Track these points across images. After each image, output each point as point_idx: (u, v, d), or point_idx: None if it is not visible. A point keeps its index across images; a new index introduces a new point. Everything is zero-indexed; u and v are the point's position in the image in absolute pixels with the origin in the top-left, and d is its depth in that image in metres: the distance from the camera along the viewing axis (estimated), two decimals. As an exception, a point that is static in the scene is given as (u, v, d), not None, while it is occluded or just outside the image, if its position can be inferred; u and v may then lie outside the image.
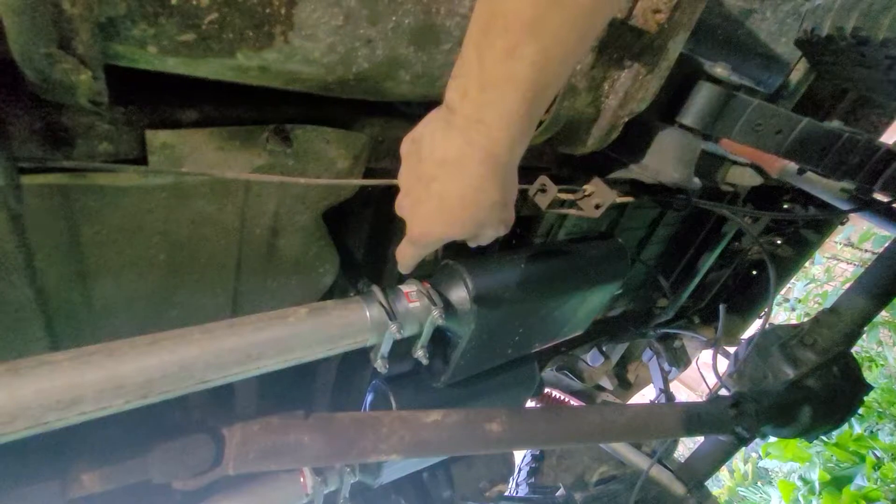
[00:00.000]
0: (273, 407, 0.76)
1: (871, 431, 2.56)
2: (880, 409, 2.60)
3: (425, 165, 0.42)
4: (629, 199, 0.89)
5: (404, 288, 0.68)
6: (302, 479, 0.83)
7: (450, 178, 0.40)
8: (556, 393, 1.85)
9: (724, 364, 1.43)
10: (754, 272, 2.00)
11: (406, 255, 0.53)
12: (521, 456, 1.92)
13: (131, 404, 0.47)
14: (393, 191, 0.78)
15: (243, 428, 0.68)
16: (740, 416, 1.15)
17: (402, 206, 0.48)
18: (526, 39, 0.32)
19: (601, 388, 1.93)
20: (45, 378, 0.43)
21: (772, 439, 2.83)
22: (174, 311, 0.59)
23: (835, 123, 0.89)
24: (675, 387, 2.03)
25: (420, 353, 0.72)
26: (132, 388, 0.46)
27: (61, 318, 0.52)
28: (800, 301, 3.73)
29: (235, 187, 0.52)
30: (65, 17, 0.26)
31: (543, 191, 0.69)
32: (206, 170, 0.42)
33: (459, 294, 0.70)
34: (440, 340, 0.78)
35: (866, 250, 3.50)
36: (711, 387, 1.39)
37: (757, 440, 1.28)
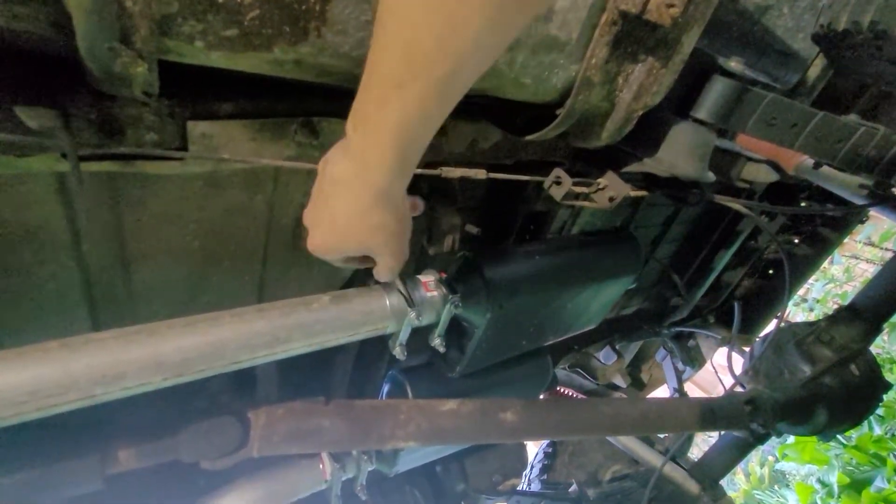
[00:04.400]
0: (292, 396, 0.79)
1: (893, 434, 2.51)
2: (901, 411, 2.54)
3: (325, 182, 0.46)
4: (643, 192, 0.90)
5: (422, 278, 0.71)
6: (321, 466, 0.86)
7: (340, 198, 0.45)
8: (568, 392, 1.85)
9: (739, 365, 1.42)
10: (770, 271, 1.97)
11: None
12: (533, 453, 1.92)
13: (169, 381, 0.50)
14: (413, 179, 0.81)
15: (268, 412, 0.71)
16: (755, 413, 1.14)
17: (305, 216, 0.52)
18: (392, 93, 0.37)
19: (614, 387, 1.93)
20: (94, 354, 0.46)
21: (789, 439, 2.79)
22: (206, 296, 0.62)
23: (851, 117, 0.89)
24: (689, 388, 2.01)
25: (437, 342, 0.74)
26: (170, 365, 0.49)
27: (104, 301, 0.55)
28: (818, 301, 3.65)
29: (265, 178, 0.55)
30: (127, 14, 0.29)
31: (558, 183, 0.71)
32: (243, 159, 0.45)
33: (476, 284, 0.72)
34: (456, 331, 0.80)
35: (888, 249, 3.42)
36: (727, 388, 1.39)
37: (772, 441, 1.27)
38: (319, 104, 0.53)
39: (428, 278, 0.71)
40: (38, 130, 0.33)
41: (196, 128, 0.43)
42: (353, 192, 0.44)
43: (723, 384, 1.61)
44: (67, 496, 0.61)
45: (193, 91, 0.44)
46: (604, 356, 1.89)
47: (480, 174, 0.60)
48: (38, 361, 0.44)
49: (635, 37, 0.57)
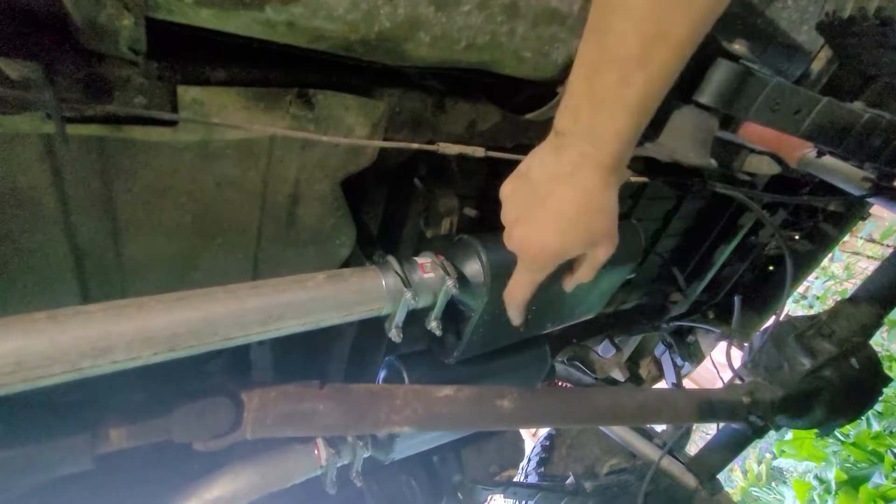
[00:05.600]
0: (287, 382, 0.78)
1: (891, 430, 2.50)
2: (901, 407, 2.54)
3: (539, 186, 0.47)
4: (643, 178, 0.89)
5: (419, 259, 0.70)
6: (316, 451, 0.85)
7: (565, 189, 0.46)
8: (566, 386, 1.85)
9: (738, 361, 1.41)
10: (771, 267, 1.97)
11: (520, 286, 0.58)
12: (530, 446, 1.92)
13: (160, 356, 0.49)
14: (411, 161, 0.79)
15: (261, 393, 0.70)
16: (754, 405, 1.14)
17: (511, 235, 0.52)
18: (635, 70, 0.38)
19: (612, 382, 1.93)
20: (81, 326, 0.45)
21: (787, 436, 2.78)
22: (198, 273, 0.61)
23: (856, 105, 0.88)
24: (688, 385, 2.01)
25: (434, 325, 0.73)
26: (160, 340, 0.49)
27: (93, 275, 0.54)
28: (818, 298, 3.65)
29: (259, 151, 0.54)
30: (112, -39, 0.28)
31: (558, 165, 0.69)
32: (235, 124, 0.44)
33: (473, 267, 0.71)
34: (453, 316, 0.79)
35: (889, 246, 3.41)
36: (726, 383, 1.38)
37: (770, 437, 1.26)
38: (315, 77, 0.52)
39: (425, 260, 0.70)
40: (21, 82, 0.32)
41: (187, 93, 0.42)
42: (581, 182, 0.45)
43: (722, 381, 1.60)
44: (57, 475, 0.60)
45: (185, 56, 0.43)
46: (602, 350, 1.88)
47: (479, 152, 0.59)
48: (25, 332, 0.43)
49: (638, 12, 0.55)
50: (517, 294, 0.60)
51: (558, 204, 0.46)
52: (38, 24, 0.34)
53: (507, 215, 0.53)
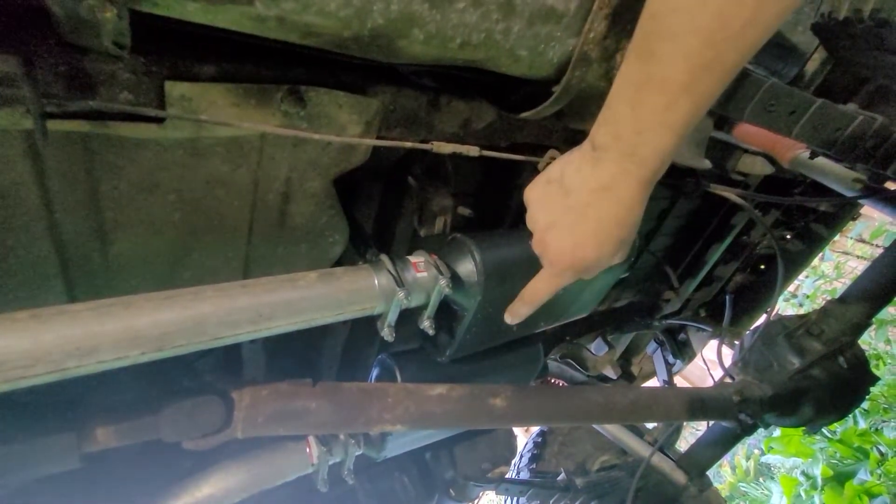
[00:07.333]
0: (279, 380, 0.77)
1: (876, 428, 2.55)
2: (886, 405, 2.59)
3: (577, 196, 0.48)
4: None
5: (412, 258, 0.69)
6: (308, 449, 0.85)
7: (605, 202, 0.47)
8: (559, 383, 1.86)
9: (729, 359, 1.42)
10: (762, 266, 1.98)
11: (542, 291, 0.59)
12: (522, 443, 1.93)
13: (147, 356, 0.48)
14: (405, 160, 0.79)
15: (252, 392, 0.70)
16: (744, 403, 1.15)
17: (544, 241, 0.53)
18: (681, 96, 0.39)
19: (604, 379, 1.94)
20: (66, 325, 0.44)
21: (775, 432, 2.82)
22: (187, 272, 0.60)
23: (850, 106, 0.89)
24: (679, 382, 2.03)
25: (426, 324, 0.73)
26: (148, 339, 0.48)
27: (80, 275, 0.53)
28: (808, 297, 3.70)
29: (249, 149, 0.53)
30: (93, -48, 0.27)
31: (553, 164, 0.69)
32: (224, 121, 0.43)
33: (467, 266, 0.71)
34: (446, 315, 0.78)
35: (878, 246, 3.46)
36: (716, 382, 1.39)
37: (758, 434, 1.28)
38: (307, 73, 0.51)
39: (418, 259, 0.69)
40: (-2, 77, 0.31)
41: (175, 89, 0.41)
42: (622, 196, 0.46)
43: (713, 378, 1.61)
44: (44, 474, 0.59)
45: (173, 52, 0.42)
46: (595, 348, 1.89)
47: (473, 151, 0.59)
48: (6, 331, 0.42)
49: (635, 12, 0.55)
50: (536, 297, 0.61)
51: (598, 216, 0.47)
52: (17, 17, 0.32)
53: (537, 221, 0.53)
